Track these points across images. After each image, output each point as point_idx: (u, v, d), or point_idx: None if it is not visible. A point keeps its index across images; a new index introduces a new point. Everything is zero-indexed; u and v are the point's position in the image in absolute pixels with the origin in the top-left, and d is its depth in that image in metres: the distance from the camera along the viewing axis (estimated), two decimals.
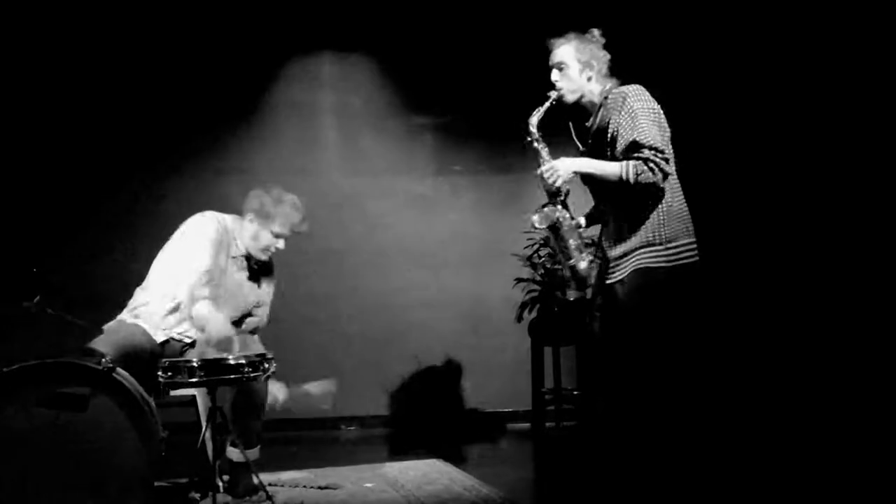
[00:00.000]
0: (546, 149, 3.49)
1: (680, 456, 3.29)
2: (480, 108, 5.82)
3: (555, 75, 3.50)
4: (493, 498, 3.76)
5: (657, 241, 3.34)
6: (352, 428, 5.78)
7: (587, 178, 3.49)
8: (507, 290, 5.51)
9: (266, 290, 4.12)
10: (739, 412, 4.70)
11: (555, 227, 3.49)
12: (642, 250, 3.33)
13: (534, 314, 5.39)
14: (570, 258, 3.49)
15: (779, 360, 5.02)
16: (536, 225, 3.51)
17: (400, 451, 4.96)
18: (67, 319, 3.56)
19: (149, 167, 5.27)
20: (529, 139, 3.52)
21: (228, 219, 3.99)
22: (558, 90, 3.49)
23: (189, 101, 5.43)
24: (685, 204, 3.43)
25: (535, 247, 5.39)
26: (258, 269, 4.07)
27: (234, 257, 3.97)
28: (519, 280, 5.49)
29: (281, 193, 3.98)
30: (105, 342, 3.62)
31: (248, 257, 4.01)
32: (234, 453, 3.74)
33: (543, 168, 3.44)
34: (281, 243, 3.99)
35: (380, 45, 5.77)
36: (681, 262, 3.32)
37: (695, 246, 3.37)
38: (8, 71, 5.19)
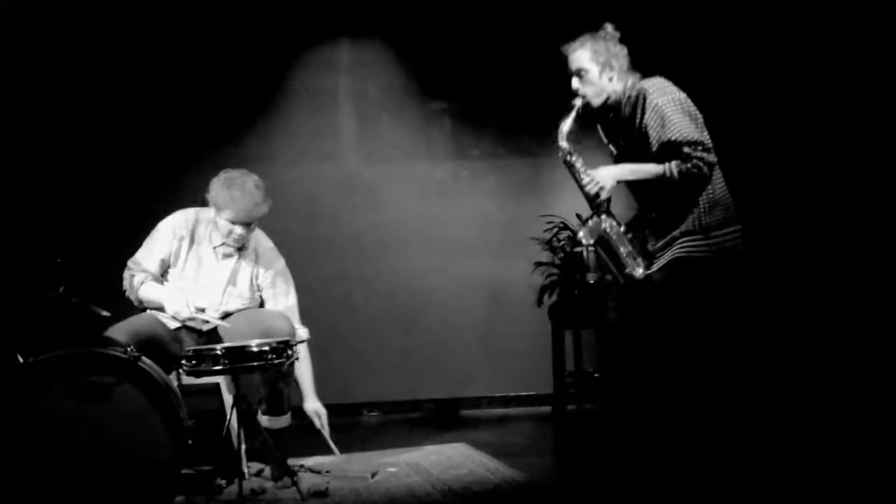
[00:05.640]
0: (581, 160, 3.39)
1: (704, 447, 3.24)
2: (498, 91, 5.77)
3: (575, 83, 3.40)
4: (517, 480, 3.76)
5: (698, 230, 3.28)
6: (374, 413, 5.78)
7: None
8: (526, 275, 5.50)
9: (250, 273, 3.98)
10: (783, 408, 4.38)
11: (603, 239, 3.38)
12: (682, 240, 3.29)
13: (554, 298, 5.37)
14: (625, 267, 3.36)
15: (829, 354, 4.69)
16: (584, 241, 3.37)
17: (423, 435, 4.94)
18: (91, 309, 3.52)
19: (166, 158, 5.23)
20: (561, 154, 3.40)
21: (205, 210, 3.92)
22: (582, 97, 3.40)
23: (205, 91, 5.40)
24: (727, 189, 3.36)
25: (555, 230, 5.38)
26: (248, 256, 3.98)
27: (215, 247, 3.92)
28: (539, 264, 5.47)
29: (230, 179, 3.75)
30: (122, 331, 3.63)
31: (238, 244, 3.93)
32: (264, 420, 3.77)
33: (584, 181, 3.36)
34: (240, 229, 3.79)
35: (396, 30, 5.72)
36: (724, 249, 3.27)
37: (739, 233, 3.31)
38: (36, 63, 5.16)
